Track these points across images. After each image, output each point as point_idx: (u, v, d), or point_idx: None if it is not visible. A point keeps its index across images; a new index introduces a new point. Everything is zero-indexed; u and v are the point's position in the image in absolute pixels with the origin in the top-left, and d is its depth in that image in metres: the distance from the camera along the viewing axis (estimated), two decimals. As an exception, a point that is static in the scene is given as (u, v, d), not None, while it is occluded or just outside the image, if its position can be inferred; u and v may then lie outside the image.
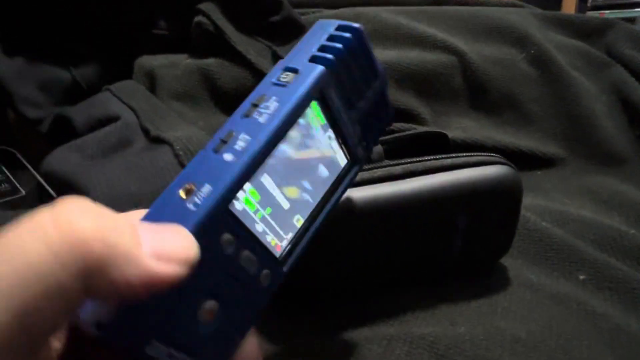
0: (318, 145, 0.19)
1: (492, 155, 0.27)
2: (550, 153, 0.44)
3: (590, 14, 0.57)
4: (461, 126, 0.45)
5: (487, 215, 0.27)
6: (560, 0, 0.61)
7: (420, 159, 0.27)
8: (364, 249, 0.26)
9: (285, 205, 0.18)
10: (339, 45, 0.18)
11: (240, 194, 0.16)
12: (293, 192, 0.18)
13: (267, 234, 0.17)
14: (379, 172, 0.26)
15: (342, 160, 0.21)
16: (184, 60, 0.41)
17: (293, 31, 0.43)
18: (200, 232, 0.14)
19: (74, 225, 0.11)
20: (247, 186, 0.16)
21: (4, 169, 0.41)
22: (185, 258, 0.13)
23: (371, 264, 0.27)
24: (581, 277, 0.29)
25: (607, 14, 0.57)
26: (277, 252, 0.17)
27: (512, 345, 0.24)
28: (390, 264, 0.27)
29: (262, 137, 0.16)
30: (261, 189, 0.17)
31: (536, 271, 0.30)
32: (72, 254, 0.11)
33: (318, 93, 0.18)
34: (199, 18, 0.41)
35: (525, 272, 0.30)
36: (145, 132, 0.34)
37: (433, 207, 0.26)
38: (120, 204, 0.26)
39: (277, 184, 0.17)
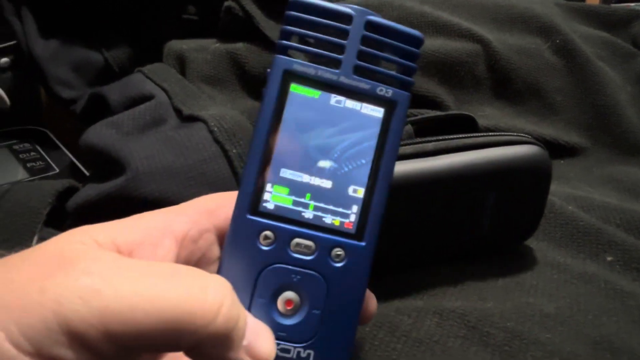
0: (326, 115, 0.18)
1: (523, 135, 0.28)
2: (573, 142, 0.44)
3: (615, 6, 0.57)
4: (484, 114, 0.45)
5: (516, 194, 0.27)
6: (584, -8, 0.60)
7: (452, 136, 0.27)
8: (393, 225, 0.27)
9: (326, 184, 0.18)
10: (414, 66, 0.19)
11: (266, 195, 0.17)
12: (326, 169, 0.18)
13: (323, 216, 0.17)
14: (409, 149, 0.26)
15: (372, 110, 0.18)
16: (213, 44, 0.42)
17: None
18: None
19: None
20: (269, 186, 0.17)
21: (38, 147, 0.42)
22: (261, 358, 0.15)
23: (400, 240, 0.27)
24: (608, 258, 0.30)
25: (633, 5, 0.57)
26: (348, 228, 0.18)
27: (542, 319, 0.24)
28: (419, 240, 0.27)
29: (255, 140, 0.17)
30: (284, 182, 0.17)
31: (562, 253, 0.30)
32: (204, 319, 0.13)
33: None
34: (228, 3, 0.41)
35: (552, 253, 0.30)
36: (178, 111, 0.35)
37: (463, 184, 0.26)
38: (158, 175, 0.27)
39: (302, 169, 0.17)
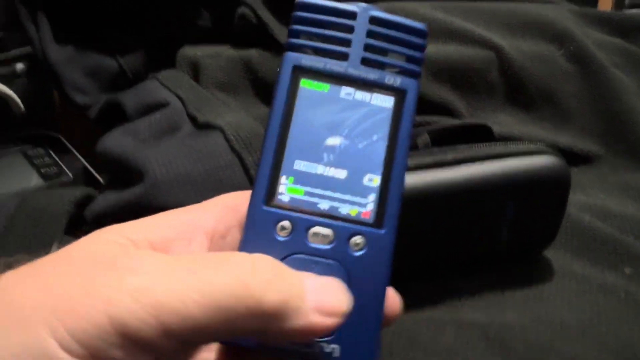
0: (337, 107, 0.18)
1: (541, 145, 0.28)
2: (587, 149, 0.44)
3: (628, 11, 0.57)
4: (497, 120, 0.45)
5: (535, 204, 0.27)
6: (597, -3, 0.60)
7: (470, 146, 0.27)
8: (412, 235, 0.26)
9: (340, 174, 0.18)
10: (420, 55, 0.19)
11: (280, 188, 0.17)
12: (340, 159, 0.18)
13: (339, 206, 0.18)
14: (428, 159, 0.26)
15: (382, 100, 0.18)
16: (226, 51, 0.42)
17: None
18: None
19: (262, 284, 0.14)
20: (283, 179, 0.17)
21: (51, 152, 0.43)
22: (341, 311, 0.15)
23: (419, 250, 0.27)
24: (627, 270, 0.29)
25: (646, 11, 0.57)
26: (366, 218, 0.18)
27: (563, 330, 0.24)
28: (437, 250, 0.27)
29: (268, 133, 0.18)
30: (299, 173, 0.18)
31: (581, 263, 0.30)
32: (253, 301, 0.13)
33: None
34: (242, 10, 0.42)
35: (570, 263, 0.30)
36: (192, 118, 0.35)
37: (482, 195, 0.26)
38: (175, 183, 0.27)
39: (316, 160, 0.18)
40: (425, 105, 0.44)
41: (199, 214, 0.17)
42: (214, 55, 0.41)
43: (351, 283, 0.17)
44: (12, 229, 0.22)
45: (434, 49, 0.46)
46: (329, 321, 0.15)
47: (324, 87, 0.18)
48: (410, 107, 0.19)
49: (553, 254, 0.31)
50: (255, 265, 0.14)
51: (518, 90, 0.46)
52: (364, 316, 0.17)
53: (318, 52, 0.18)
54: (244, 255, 0.15)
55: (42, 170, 0.40)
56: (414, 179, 0.25)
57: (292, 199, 0.18)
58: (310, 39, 0.19)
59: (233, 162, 0.29)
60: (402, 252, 0.27)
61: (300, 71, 0.18)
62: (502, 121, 0.45)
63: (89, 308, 0.12)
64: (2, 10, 0.43)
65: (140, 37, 0.44)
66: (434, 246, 0.27)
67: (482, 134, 0.32)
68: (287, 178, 0.18)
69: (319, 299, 0.15)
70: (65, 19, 0.42)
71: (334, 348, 0.17)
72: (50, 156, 0.42)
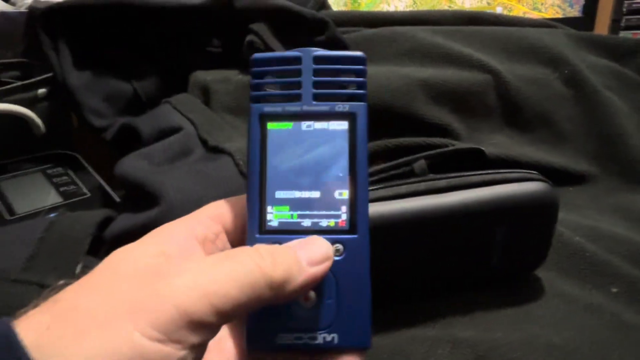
0: (302, 139, 0.21)
1: (531, 172, 0.29)
2: (582, 170, 0.46)
3: (623, 34, 0.59)
4: (494, 142, 0.46)
5: (525, 229, 0.29)
6: (593, 20, 0.62)
7: (463, 174, 0.29)
8: (407, 258, 0.28)
9: (315, 194, 0.21)
10: (363, 80, 0.21)
11: (268, 216, 0.21)
12: (313, 182, 0.21)
13: (319, 221, 0.20)
14: (422, 186, 0.28)
15: (337, 125, 0.21)
16: (235, 75, 0.44)
17: (337, 49, 0.45)
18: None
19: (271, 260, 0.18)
20: (269, 209, 0.21)
21: (69, 171, 0.45)
22: (328, 255, 0.19)
23: (414, 272, 0.29)
24: (613, 290, 0.31)
25: (640, 34, 0.58)
26: (343, 226, 0.21)
27: (548, 349, 0.25)
28: (431, 272, 0.29)
29: (250, 174, 0.21)
30: (281, 201, 0.20)
31: (569, 283, 0.32)
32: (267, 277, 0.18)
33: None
34: (250, 37, 0.44)
35: (559, 283, 0.32)
36: (203, 142, 0.37)
37: (474, 220, 0.28)
38: (189, 207, 0.29)
39: (292, 187, 0.21)
40: (425, 127, 0.46)
41: (192, 225, 0.20)
42: (224, 80, 0.44)
43: (338, 282, 0.20)
44: (41, 251, 0.24)
45: (434, 72, 0.48)
46: (320, 268, 0.19)
47: (288, 125, 0.21)
48: (362, 126, 0.21)
49: (544, 274, 0.32)
50: (261, 252, 0.18)
51: (514, 112, 0.48)
52: (355, 307, 0.20)
53: (277, 98, 0.21)
54: (247, 248, 0.19)
55: (61, 189, 0.42)
56: (409, 205, 0.27)
57: (280, 223, 0.21)
58: (270, 88, 0.22)
59: (243, 186, 0.31)
60: (396, 274, 0.29)
61: (265, 117, 0.21)
62: (499, 142, 0.47)
63: (159, 305, 0.15)
64: (27, 38, 0.46)
65: (154, 63, 0.47)
66: (427, 268, 0.29)
67: (475, 156, 0.34)
68: (272, 207, 0.21)
69: (308, 255, 0.19)
70: (83, 46, 0.44)
71: (334, 336, 0.20)
72: (68, 175, 0.44)
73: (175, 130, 0.37)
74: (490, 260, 0.29)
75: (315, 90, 0.21)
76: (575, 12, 0.62)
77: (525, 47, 0.50)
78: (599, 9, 0.60)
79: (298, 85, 0.21)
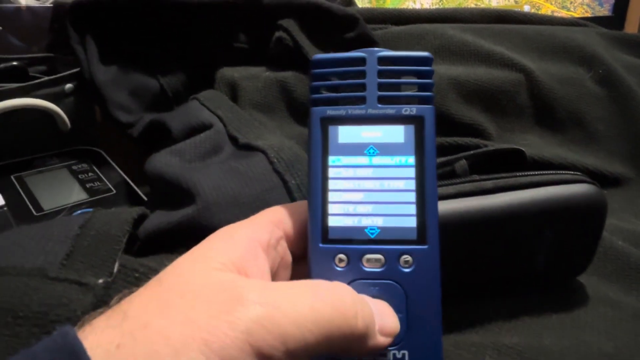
0: (364, 144, 0.20)
1: (578, 174, 0.28)
2: (616, 173, 0.45)
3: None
4: (526, 142, 0.45)
5: (572, 232, 0.28)
6: (624, 19, 0.60)
7: (509, 175, 0.28)
8: (451, 260, 0.27)
9: (381, 202, 0.20)
10: (430, 82, 0.20)
11: (331, 225, 0.19)
12: (378, 190, 0.20)
13: (386, 231, 0.19)
14: (469, 187, 0.27)
15: (404, 130, 0.20)
16: (263, 72, 0.44)
17: (367, 47, 0.44)
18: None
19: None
20: (332, 217, 0.20)
21: (94, 168, 0.44)
22: (395, 332, 0.18)
23: (457, 275, 0.28)
24: (661, 297, 0.30)
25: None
26: (411, 237, 0.19)
27: (601, 358, 0.24)
28: (475, 275, 0.28)
29: (312, 181, 0.20)
30: (344, 209, 0.20)
31: (614, 289, 0.31)
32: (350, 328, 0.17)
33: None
34: (279, 33, 0.43)
35: (603, 289, 0.30)
36: (232, 139, 0.36)
37: (521, 222, 0.27)
38: (225, 205, 0.29)
39: (357, 195, 0.20)
40: (456, 127, 0.45)
41: (255, 230, 0.19)
42: (252, 77, 0.43)
43: (408, 296, 0.19)
44: (77, 249, 0.23)
45: (464, 71, 0.47)
46: (387, 341, 0.18)
47: (352, 129, 0.20)
48: (431, 131, 0.20)
49: (586, 279, 0.31)
50: (345, 298, 0.17)
51: (547, 112, 0.46)
52: (425, 322, 0.19)
53: (339, 101, 0.20)
54: (334, 285, 0.18)
55: (87, 185, 0.42)
56: (455, 206, 0.26)
57: (344, 232, 0.20)
58: (330, 90, 0.21)
59: (277, 184, 0.30)
60: (442, 276, 0.28)
61: (327, 121, 0.20)
62: (531, 143, 0.46)
63: (233, 340, 0.15)
64: (52, 33, 0.45)
65: (180, 59, 0.46)
66: (473, 271, 0.28)
67: (515, 158, 0.33)
68: (335, 215, 0.20)
69: (381, 322, 0.18)
70: (111, 42, 0.44)
71: (404, 353, 0.19)
72: (93, 171, 0.44)
73: (205, 127, 0.36)
74: (535, 263, 0.28)
75: (380, 93, 0.20)
76: (605, 11, 0.61)
77: (557, 45, 0.49)
78: (629, 8, 0.59)
79: (362, 87, 0.20)
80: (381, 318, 0.18)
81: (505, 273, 0.28)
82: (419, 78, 0.20)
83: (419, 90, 0.20)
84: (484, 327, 0.27)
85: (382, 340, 0.18)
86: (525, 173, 0.28)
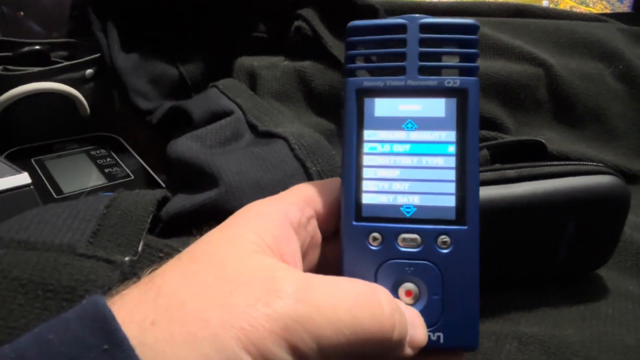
0: (402, 117, 0.19)
1: (601, 166, 0.28)
2: (635, 169, 0.44)
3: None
4: (544, 137, 0.45)
5: (595, 223, 0.28)
6: (644, 16, 0.60)
7: (532, 164, 0.28)
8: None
9: (419, 180, 0.19)
10: (475, 51, 0.19)
11: (365, 202, 0.19)
12: (416, 166, 0.19)
13: (423, 209, 0.19)
14: (491, 175, 0.27)
15: (446, 103, 0.19)
16: (281, 62, 0.44)
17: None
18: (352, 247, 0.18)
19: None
20: (367, 194, 0.19)
21: (113, 153, 0.45)
22: (422, 346, 0.18)
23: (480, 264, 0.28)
24: (683, 291, 0.29)
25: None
26: (450, 216, 0.18)
27: (624, 350, 0.24)
28: (495, 265, 0.28)
29: (346, 155, 0.19)
30: (379, 186, 0.19)
31: (634, 282, 0.30)
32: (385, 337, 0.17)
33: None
34: (298, 23, 0.43)
35: (624, 282, 0.30)
36: (252, 126, 0.36)
37: (543, 212, 0.27)
38: (248, 190, 0.29)
39: (393, 171, 0.19)
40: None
41: (285, 207, 0.19)
42: (270, 66, 0.43)
43: (444, 278, 0.18)
44: (104, 228, 0.24)
45: (482, 63, 0.46)
46: (413, 353, 0.18)
47: (390, 102, 0.19)
48: (474, 105, 0.19)
49: (606, 273, 0.31)
50: (383, 303, 0.17)
51: (565, 107, 0.46)
52: (461, 305, 0.18)
53: (376, 71, 0.19)
54: (372, 288, 0.17)
55: (106, 170, 0.42)
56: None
57: (378, 210, 0.19)
58: (367, 60, 0.19)
59: (298, 170, 0.30)
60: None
61: (364, 92, 0.19)
62: (549, 138, 0.45)
63: (270, 333, 0.15)
64: (73, 20, 0.46)
65: (199, 47, 0.46)
66: (494, 260, 0.27)
67: (536, 150, 0.33)
68: (370, 192, 0.19)
69: (412, 333, 0.18)
70: (132, 29, 0.44)
71: (439, 335, 0.18)
72: (112, 157, 0.44)
73: (226, 113, 0.36)
74: (556, 254, 0.28)
75: (422, 63, 0.19)
76: (624, 7, 0.60)
77: (577, 40, 0.49)
78: (650, 5, 0.58)
79: (402, 57, 0.19)
80: (413, 329, 0.18)
81: (525, 264, 0.28)
82: (463, 48, 0.19)
83: (462, 61, 0.19)
84: (503, 316, 0.27)
85: (409, 352, 0.17)
86: (549, 163, 0.28)
